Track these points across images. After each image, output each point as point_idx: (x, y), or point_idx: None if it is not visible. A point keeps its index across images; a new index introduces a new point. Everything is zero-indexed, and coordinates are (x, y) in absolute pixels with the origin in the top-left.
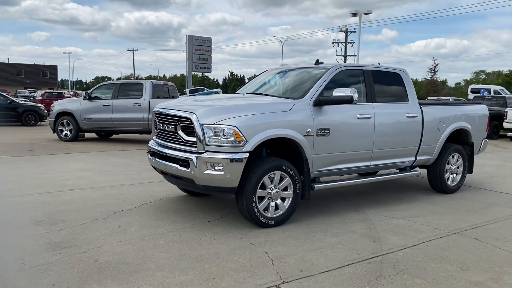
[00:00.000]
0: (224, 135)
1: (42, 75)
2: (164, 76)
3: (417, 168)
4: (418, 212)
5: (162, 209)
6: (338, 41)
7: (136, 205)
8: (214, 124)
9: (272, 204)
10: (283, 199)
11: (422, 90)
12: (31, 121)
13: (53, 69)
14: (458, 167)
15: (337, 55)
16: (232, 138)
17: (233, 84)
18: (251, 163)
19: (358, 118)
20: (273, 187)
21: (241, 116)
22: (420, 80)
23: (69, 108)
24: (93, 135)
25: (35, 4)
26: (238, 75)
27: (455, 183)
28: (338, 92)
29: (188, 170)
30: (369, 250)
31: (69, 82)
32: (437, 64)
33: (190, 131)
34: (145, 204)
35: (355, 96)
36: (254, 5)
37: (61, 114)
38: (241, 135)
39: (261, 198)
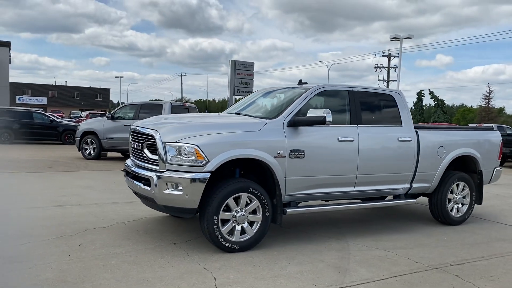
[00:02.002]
0: (186, 154)
1: (95, 97)
2: (214, 99)
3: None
4: (407, 243)
5: (135, 229)
6: (381, 65)
7: (112, 223)
8: (175, 142)
9: (238, 227)
10: (251, 223)
11: (476, 118)
12: (70, 140)
13: (106, 91)
14: (464, 197)
15: (379, 80)
16: (193, 157)
17: None
18: (216, 184)
19: (339, 141)
20: (239, 210)
21: (205, 135)
22: (475, 107)
23: (93, 128)
24: (119, 154)
25: (97, 32)
26: None
27: (461, 214)
28: (311, 113)
29: (149, 189)
30: (328, 282)
31: (119, 104)
32: (492, 91)
33: (153, 149)
34: (121, 223)
35: (329, 117)
36: (305, 31)
37: (86, 133)
38: (202, 154)
39: (226, 221)
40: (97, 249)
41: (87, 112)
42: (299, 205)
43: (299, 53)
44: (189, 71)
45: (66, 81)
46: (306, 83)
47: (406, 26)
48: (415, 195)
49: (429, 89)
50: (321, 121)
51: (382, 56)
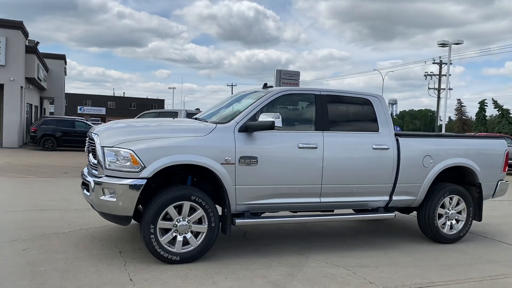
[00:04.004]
0: (122, 159)
1: (150, 107)
2: None
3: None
4: (375, 261)
5: (92, 236)
6: (431, 73)
7: (75, 229)
8: (113, 147)
9: (180, 238)
10: (197, 234)
11: None
12: None
13: (161, 102)
14: (460, 213)
15: (429, 88)
16: (129, 163)
17: None
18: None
19: (300, 148)
20: (180, 219)
21: (142, 140)
22: None
23: None
24: None
25: (159, 45)
26: None
27: (455, 231)
28: (263, 118)
29: (89, 194)
30: None
31: None
32: None
33: (95, 153)
34: (84, 229)
35: (277, 122)
36: (363, 40)
37: None
38: (138, 159)
39: (167, 230)
40: (39, 254)
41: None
42: (262, 215)
43: (357, 62)
44: (245, 82)
45: (124, 92)
46: (271, 86)
47: (472, 33)
48: (398, 209)
49: (492, 98)
50: (269, 126)
51: (433, 63)
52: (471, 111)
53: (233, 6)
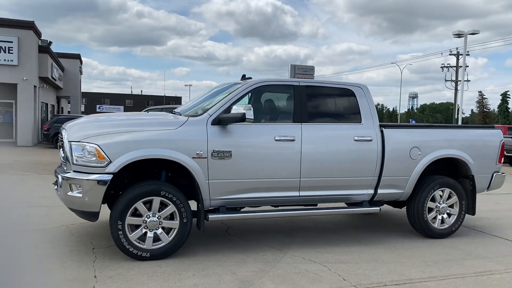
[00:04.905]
0: (88, 154)
1: (168, 105)
2: None
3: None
4: (356, 257)
5: (70, 232)
6: (448, 65)
7: (56, 225)
8: (79, 141)
9: (150, 234)
10: (169, 230)
11: None
12: None
13: (178, 99)
14: (452, 206)
15: (446, 80)
16: (95, 158)
17: None
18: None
19: (276, 140)
20: (150, 215)
21: (109, 134)
22: None
23: None
24: None
25: (178, 43)
26: None
27: (446, 225)
28: (235, 110)
29: (57, 190)
30: None
31: None
32: None
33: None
34: (65, 225)
35: (249, 113)
36: (382, 33)
37: None
38: (104, 154)
39: (137, 226)
40: (10, 251)
41: None
42: (242, 210)
43: (376, 56)
44: (262, 77)
45: (141, 90)
46: (250, 78)
47: (495, 23)
48: (391, 203)
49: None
50: (239, 118)
51: (449, 55)
52: (494, 103)
53: (251, 2)
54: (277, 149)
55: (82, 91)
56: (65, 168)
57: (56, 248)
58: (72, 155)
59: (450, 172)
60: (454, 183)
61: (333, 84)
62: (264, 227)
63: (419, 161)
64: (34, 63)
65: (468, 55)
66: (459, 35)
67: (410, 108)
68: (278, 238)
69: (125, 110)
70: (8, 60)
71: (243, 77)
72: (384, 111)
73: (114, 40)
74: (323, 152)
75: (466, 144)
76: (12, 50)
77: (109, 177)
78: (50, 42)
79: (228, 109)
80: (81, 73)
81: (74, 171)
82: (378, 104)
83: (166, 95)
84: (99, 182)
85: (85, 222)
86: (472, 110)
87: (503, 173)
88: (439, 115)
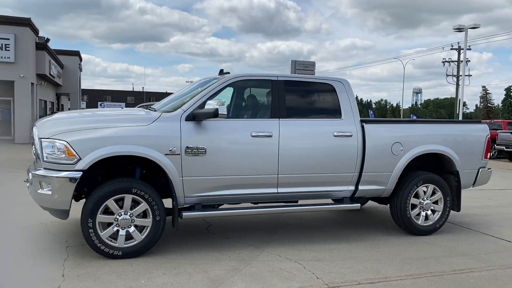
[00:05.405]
0: (58, 151)
1: None
2: None
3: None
4: (334, 255)
5: (47, 230)
6: (450, 60)
7: (35, 223)
8: (49, 138)
9: (122, 232)
10: (141, 228)
11: None
12: None
13: None
14: (436, 202)
15: (447, 75)
16: (64, 155)
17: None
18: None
19: (253, 136)
20: (122, 213)
21: (79, 130)
22: None
23: None
24: None
25: (181, 40)
26: (364, 100)
27: (430, 222)
28: (209, 105)
29: (29, 188)
30: None
31: None
32: None
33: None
34: (44, 223)
35: (222, 109)
36: (386, 28)
37: None
38: (73, 151)
39: (109, 225)
40: None
41: None
42: (220, 207)
43: (380, 51)
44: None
45: (143, 87)
46: (228, 73)
47: (500, 17)
48: (377, 199)
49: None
50: (212, 114)
51: (451, 49)
52: (499, 98)
53: None
54: (254, 145)
55: (85, 88)
56: (36, 165)
57: (32, 246)
58: (42, 152)
59: (435, 168)
60: (439, 179)
61: (313, 79)
62: (245, 225)
63: (401, 157)
64: (31, 60)
65: (469, 49)
66: (459, 29)
67: (414, 103)
68: (258, 235)
69: (126, 107)
70: (5, 57)
71: (221, 72)
72: (388, 106)
73: (117, 37)
74: (301, 148)
75: (450, 139)
76: (8, 47)
77: (79, 174)
78: (48, 39)
79: (203, 105)
80: (80, 70)
81: (45, 168)
82: (382, 100)
83: (167, 91)
84: (68, 179)
85: (70, 219)
86: (476, 105)
87: (489, 169)
88: (443, 110)
